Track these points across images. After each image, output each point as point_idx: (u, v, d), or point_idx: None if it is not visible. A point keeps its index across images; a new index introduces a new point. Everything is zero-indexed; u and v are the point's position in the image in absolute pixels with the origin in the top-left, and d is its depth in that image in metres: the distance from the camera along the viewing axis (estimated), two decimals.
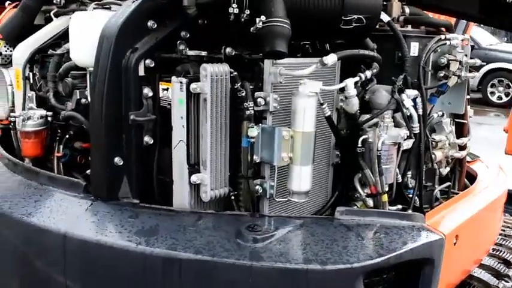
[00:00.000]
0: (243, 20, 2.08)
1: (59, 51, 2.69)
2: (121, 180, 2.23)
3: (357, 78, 2.16)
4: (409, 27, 2.59)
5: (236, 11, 2.08)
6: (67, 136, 2.80)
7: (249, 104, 2.06)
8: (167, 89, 2.19)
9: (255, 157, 2.09)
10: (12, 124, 2.76)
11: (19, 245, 2.21)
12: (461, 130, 2.87)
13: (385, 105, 2.32)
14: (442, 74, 2.53)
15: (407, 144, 2.32)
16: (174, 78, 2.13)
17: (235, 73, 2.11)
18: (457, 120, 2.84)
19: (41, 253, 2.13)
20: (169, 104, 2.18)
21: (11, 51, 3.01)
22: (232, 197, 2.22)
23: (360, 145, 2.28)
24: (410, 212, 2.37)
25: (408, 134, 2.30)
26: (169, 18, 2.23)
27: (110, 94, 2.12)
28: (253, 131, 2.07)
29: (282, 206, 2.26)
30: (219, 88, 2.08)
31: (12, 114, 2.78)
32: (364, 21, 2.15)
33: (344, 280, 1.90)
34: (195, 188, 2.17)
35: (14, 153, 2.85)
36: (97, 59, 2.15)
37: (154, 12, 2.20)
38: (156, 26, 2.19)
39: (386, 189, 2.29)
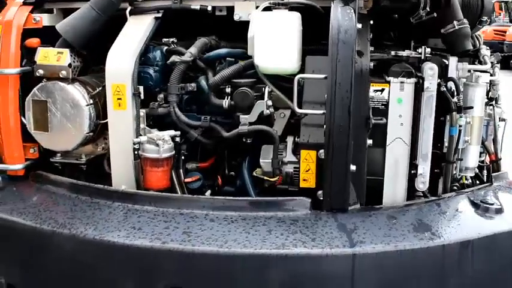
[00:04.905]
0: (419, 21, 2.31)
1: (186, 58, 2.24)
2: (349, 187, 2.17)
3: None
4: None
5: (424, 13, 2.29)
6: (183, 158, 2.41)
7: (460, 97, 2.31)
8: (381, 90, 2.22)
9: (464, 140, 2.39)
10: (135, 152, 2.14)
11: None
12: None
13: None
14: None
15: None
16: (392, 78, 2.19)
17: None
18: None
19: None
20: (383, 105, 2.22)
21: (77, 61, 2.29)
22: None
23: None
24: None
25: None
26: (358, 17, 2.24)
27: (354, 101, 2.04)
28: (462, 120, 2.34)
29: None
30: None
31: (135, 140, 2.15)
32: (488, 21, 2.64)
33: None
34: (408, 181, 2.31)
35: None
36: (334, 67, 2.01)
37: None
38: (360, 25, 2.18)
39: None
